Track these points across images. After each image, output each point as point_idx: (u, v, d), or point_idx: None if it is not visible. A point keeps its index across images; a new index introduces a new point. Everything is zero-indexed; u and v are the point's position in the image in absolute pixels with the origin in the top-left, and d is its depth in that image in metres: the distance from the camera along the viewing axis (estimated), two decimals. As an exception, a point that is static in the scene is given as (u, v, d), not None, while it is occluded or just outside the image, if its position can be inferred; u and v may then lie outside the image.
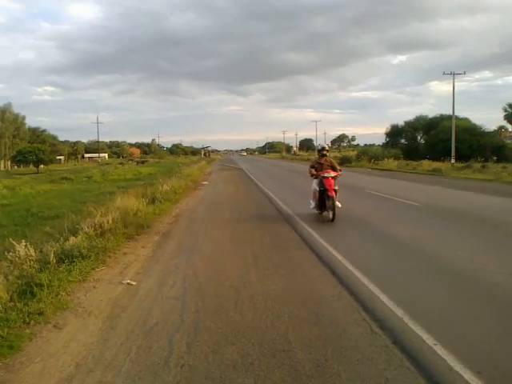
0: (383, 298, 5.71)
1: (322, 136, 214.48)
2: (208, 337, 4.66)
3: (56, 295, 5.79)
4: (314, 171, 12.39)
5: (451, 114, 46.61)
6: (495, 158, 42.04)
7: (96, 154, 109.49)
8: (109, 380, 3.84)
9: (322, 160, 12.56)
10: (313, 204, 12.66)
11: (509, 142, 68.41)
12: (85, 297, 6.05)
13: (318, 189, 11.95)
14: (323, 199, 11.82)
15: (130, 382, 3.81)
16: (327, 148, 13.07)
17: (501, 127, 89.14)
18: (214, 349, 4.37)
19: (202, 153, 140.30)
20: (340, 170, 12.47)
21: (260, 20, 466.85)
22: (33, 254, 6.94)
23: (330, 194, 11.52)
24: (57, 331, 4.90)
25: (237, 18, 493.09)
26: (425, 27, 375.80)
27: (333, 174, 12.00)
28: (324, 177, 11.83)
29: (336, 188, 11.70)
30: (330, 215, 11.59)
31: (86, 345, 4.55)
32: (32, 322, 4.99)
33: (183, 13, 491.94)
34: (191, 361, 4.13)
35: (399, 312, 5.22)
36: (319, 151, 12.99)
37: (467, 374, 3.76)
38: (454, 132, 44.56)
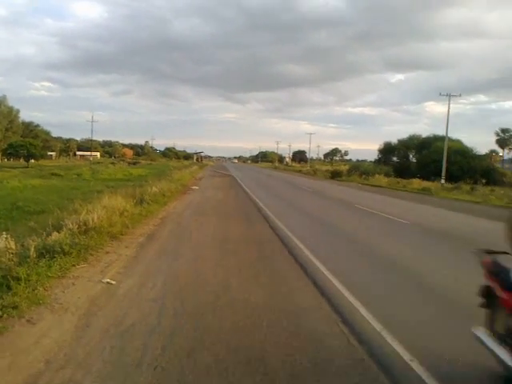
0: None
1: (316, 149, 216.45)
2: (184, 341, 4.59)
3: (33, 290, 5.69)
4: None
5: (444, 134, 46.95)
6: (484, 180, 42.27)
7: (88, 153, 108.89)
8: (78, 379, 3.76)
9: None
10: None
11: (499, 166, 69.27)
12: (62, 293, 5.96)
13: None
14: None
15: (100, 381, 3.74)
16: None
17: (492, 151, 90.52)
18: (189, 353, 4.31)
19: (195, 158, 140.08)
20: None
21: (264, 30, 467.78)
22: (13, 247, 6.85)
23: None
24: (30, 326, 4.81)
25: (241, 26, 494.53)
26: (424, 48, 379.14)
27: None
28: None
29: None
30: None
31: (58, 342, 4.46)
32: (5, 315, 4.89)
33: (188, 18, 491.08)
34: (164, 363, 4.07)
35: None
36: None
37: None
38: (445, 153, 44.84)
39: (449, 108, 45.64)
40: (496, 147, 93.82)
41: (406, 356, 4.35)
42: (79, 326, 4.89)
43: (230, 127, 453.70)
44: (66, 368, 3.93)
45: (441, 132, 54.33)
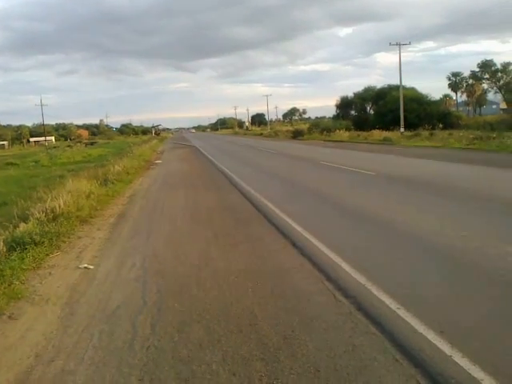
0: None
1: (274, 110, 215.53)
2: (172, 317, 4.57)
3: (9, 285, 5.53)
4: None
5: (398, 84, 47.43)
6: (441, 125, 43.25)
7: (42, 138, 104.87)
8: (72, 368, 3.70)
9: None
10: None
11: (453, 109, 70.88)
12: (40, 284, 5.82)
13: None
14: None
15: (94, 368, 3.69)
16: None
17: (446, 95, 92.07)
18: (179, 328, 4.30)
19: (153, 132, 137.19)
20: None
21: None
22: (-21, 244, 6.60)
23: None
24: (12, 322, 4.68)
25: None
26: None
27: None
28: None
29: None
30: None
31: (45, 334, 4.37)
32: (-16, 315, 4.75)
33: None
34: (156, 342, 4.04)
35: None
36: None
37: (430, 335, 3.86)
38: (401, 101, 45.35)
39: (400, 57, 46.36)
40: (449, 91, 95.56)
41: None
42: (63, 316, 4.80)
43: (185, 97, 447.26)
44: (56, 360, 3.86)
45: (394, 82, 55.03)
